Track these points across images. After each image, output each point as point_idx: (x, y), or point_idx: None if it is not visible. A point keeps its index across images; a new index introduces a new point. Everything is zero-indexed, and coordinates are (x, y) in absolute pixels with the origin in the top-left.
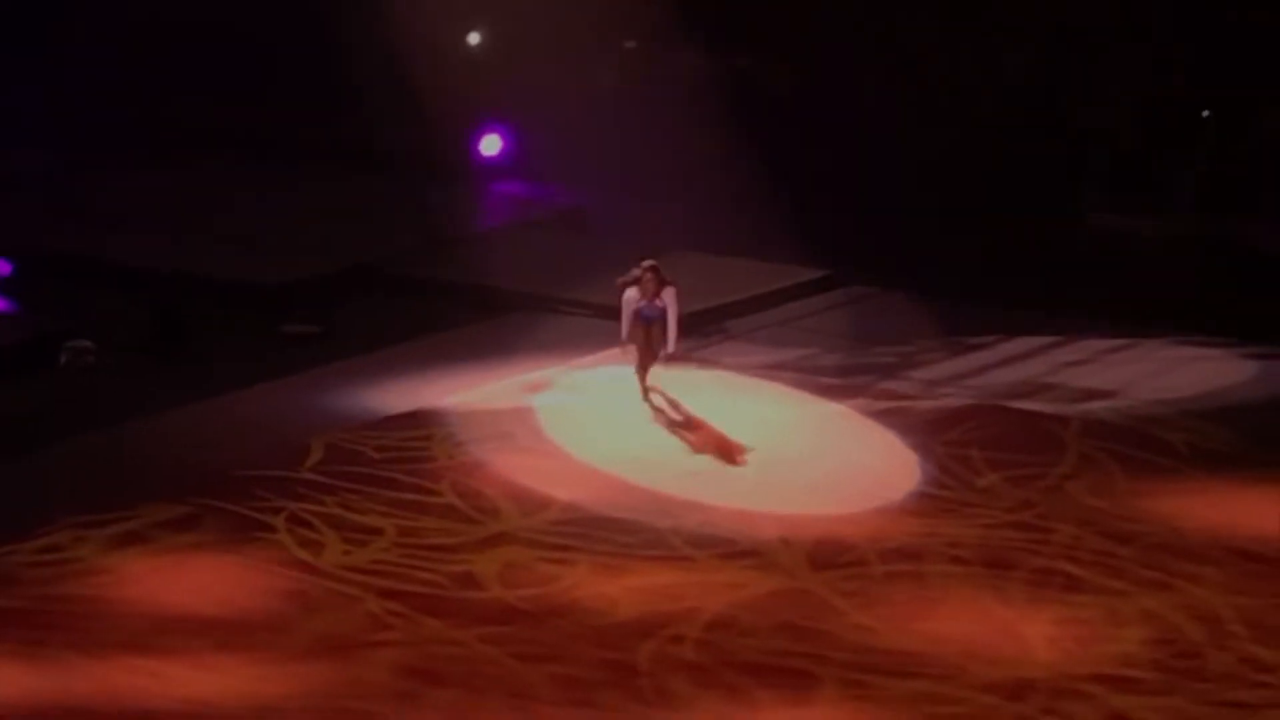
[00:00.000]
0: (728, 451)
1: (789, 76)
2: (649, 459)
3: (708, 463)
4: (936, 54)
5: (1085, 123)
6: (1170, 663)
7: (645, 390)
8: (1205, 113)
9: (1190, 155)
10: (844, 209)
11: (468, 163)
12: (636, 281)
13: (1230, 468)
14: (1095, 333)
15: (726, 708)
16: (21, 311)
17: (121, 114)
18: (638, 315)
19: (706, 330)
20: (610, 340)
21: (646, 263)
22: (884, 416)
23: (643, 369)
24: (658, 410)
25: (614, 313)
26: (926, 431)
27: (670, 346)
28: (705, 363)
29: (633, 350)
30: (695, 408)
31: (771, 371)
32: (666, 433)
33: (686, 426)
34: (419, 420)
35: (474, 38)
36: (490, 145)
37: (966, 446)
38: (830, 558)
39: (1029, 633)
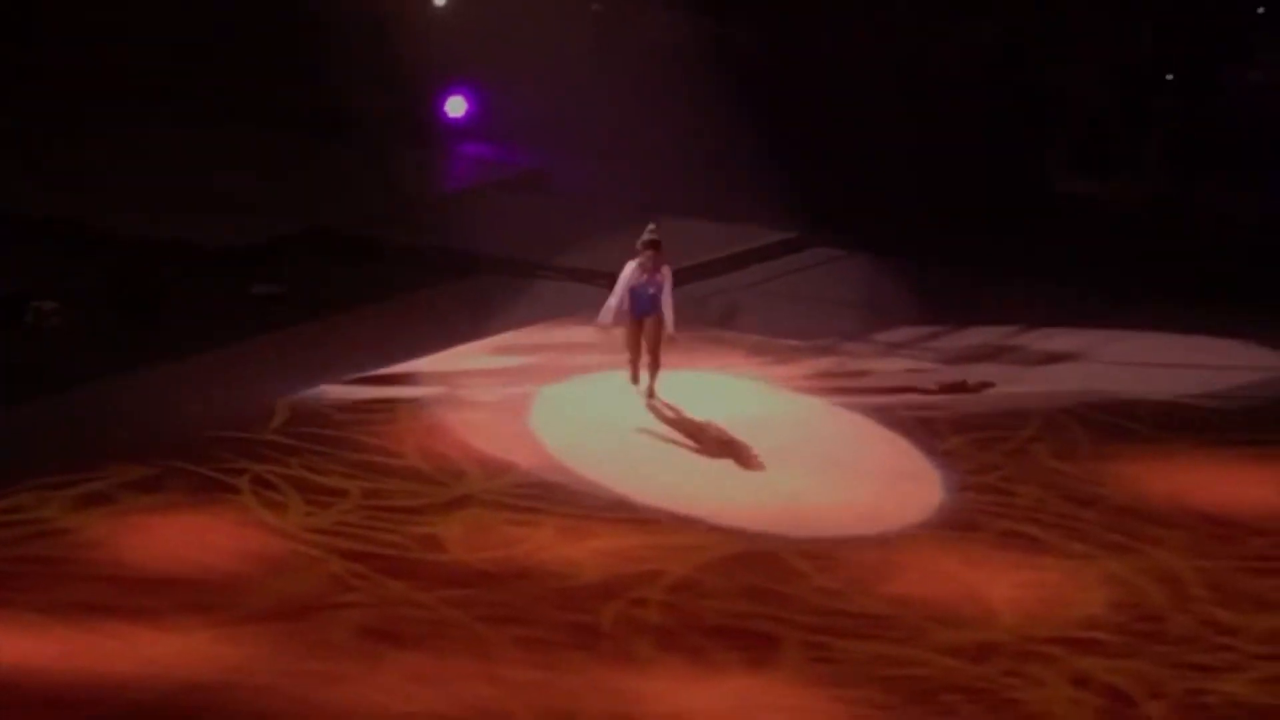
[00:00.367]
0: (710, 444)
1: (758, 39)
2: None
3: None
4: (905, 18)
5: (1052, 85)
6: (1133, 625)
7: (636, 377)
8: (1169, 76)
9: (1155, 119)
10: (812, 172)
11: (433, 125)
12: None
13: (1194, 433)
14: (1058, 296)
15: (689, 670)
16: None
17: (85, 72)
18: (632, 296)
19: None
20: (576, 304)
21: (650, 228)
22: (850, 381)
23: (635, 364)
24: (652, 412)
25: (580, 275)
26: (891, 395)
27: (670, 328)
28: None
29: (609, 329)
30: (692, 412)
31: (739, 336)
32: (656, 437)
33: (681, 430)
34: (384, 383)
35: None
36: (455, 107)
37: (930, 409)
38: (793, 521)
39: (992, 595)
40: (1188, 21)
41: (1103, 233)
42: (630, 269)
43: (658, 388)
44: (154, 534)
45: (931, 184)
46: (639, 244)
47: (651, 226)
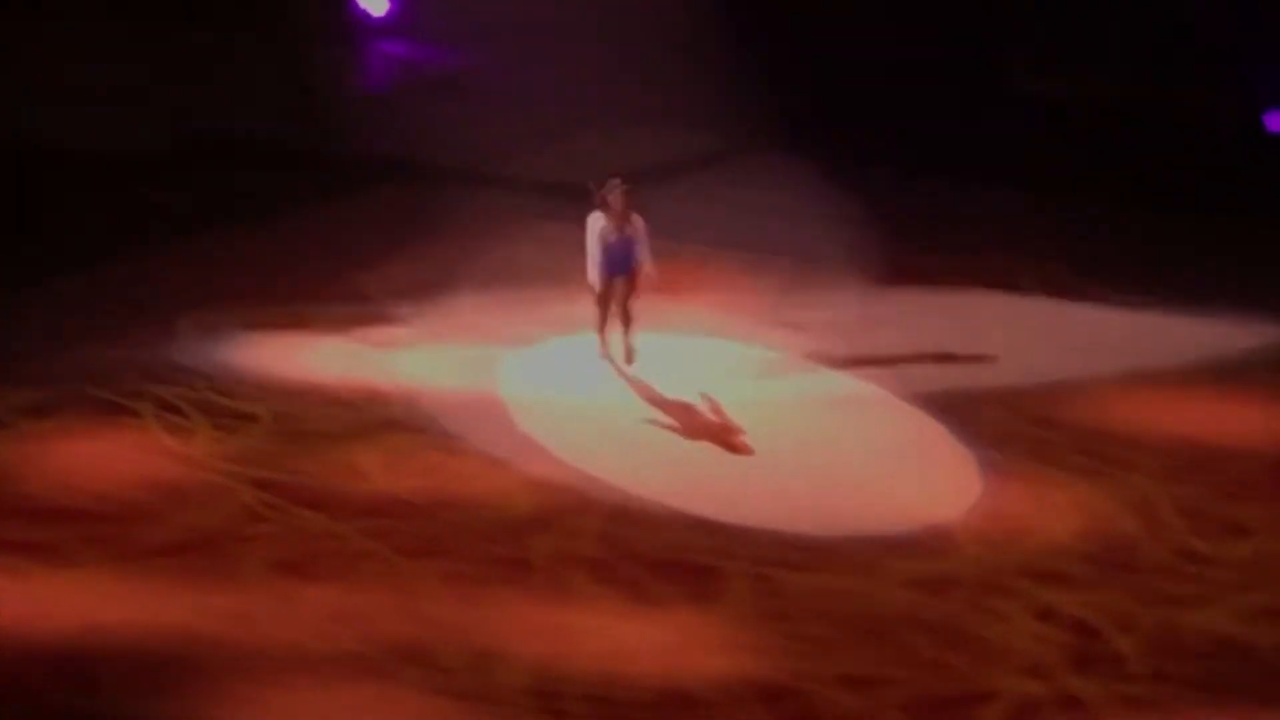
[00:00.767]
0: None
1: None
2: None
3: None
4: None
5: None
6: (1102, 555)
7: (606, 343)
8: None
9: (1121, 16)
10: (758, 75)
11: (350, 22)
12: (604, 205)
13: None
14: (1013, 198)
15: (627, 605)
16: None
17: None
18: (606, 253)
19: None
20: (497, 212)
21: (614, 181)
22: (802, 298)
23: (603, 329)
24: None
25: (506, 182)
26: (848, 309)
27: (648, 267)
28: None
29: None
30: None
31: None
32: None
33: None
34: (296, 297)
35: None
36: (376, 3)
37: (886, 325)
38: (737, 445)
39: (953, 524)
40: None
41: (1066, 133)
42: (599, 226)
43: (635, 345)
44: (51, 462)
45: (887, 87)
46: (599, 197)
47: (615, 180)
